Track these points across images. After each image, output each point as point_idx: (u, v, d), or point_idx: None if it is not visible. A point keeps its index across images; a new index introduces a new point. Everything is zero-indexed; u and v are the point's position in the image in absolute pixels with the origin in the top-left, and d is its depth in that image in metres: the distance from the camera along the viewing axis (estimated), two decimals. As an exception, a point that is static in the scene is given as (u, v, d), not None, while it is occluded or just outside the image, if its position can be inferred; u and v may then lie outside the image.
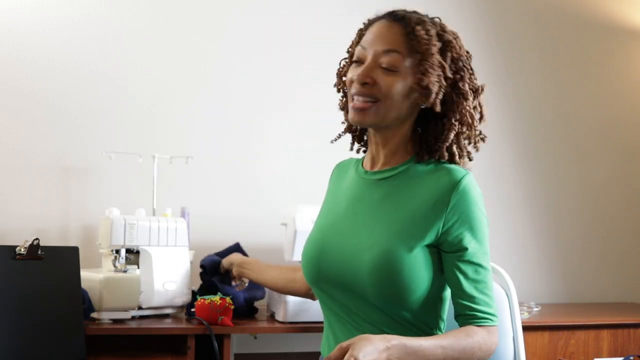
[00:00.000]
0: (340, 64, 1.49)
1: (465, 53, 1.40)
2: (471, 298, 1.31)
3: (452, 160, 1.39)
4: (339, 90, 1.49)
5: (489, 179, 2.91)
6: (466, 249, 1.31)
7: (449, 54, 1.35)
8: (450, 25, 1.40)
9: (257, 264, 1.94)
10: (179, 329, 1.98)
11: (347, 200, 1.44)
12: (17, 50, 2.44)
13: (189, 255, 2.22)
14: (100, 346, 1.99)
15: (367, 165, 1.46)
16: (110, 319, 1.99)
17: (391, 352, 1.18)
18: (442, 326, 1.39)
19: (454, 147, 1.38)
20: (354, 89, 1.35)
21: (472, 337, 1.28)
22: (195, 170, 2.53)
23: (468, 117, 1.37)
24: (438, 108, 1.34)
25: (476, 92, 1.40)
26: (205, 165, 2.58)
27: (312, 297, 1.69)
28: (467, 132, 1.39)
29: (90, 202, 2.46)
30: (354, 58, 1.38)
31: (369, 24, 1.41)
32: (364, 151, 1.53)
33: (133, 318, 2.06)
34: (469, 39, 1.41)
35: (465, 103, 1.36)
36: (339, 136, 1.54)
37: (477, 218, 1.32)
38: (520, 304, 2.44)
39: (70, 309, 1.81)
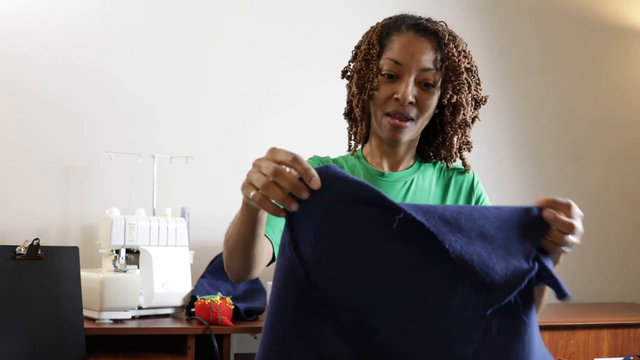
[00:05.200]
0: (350, 65, 1.40)
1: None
2: None
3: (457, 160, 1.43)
4: (360, 95, 1.35)
5: (489, 178, 2.90)
6: None
7: (473, 69, 1.36)
8: (450, 26, 1.40)
9: None
10: (179, 329, 1.98)
11: None
12: (17, 49, 2.44)
13: (189, 255, 2.22)
14: (100, 346, 1.99)
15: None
16: (110, 319, 1.99)
17: None
18: None
19: (454, 151, 1.40)
20: (392, 106, 1.29)
21: None
22: (195, 170, 2.53)
23: (468, 124, 1.39)
24: (468, 120, 1.37)
25: (480, 102, 1.41)
26: (205, 165, 2.58)
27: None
28: (462, 137, 1.41)
29: (90, 202, 2.46)
30: (385, 71, 1.30)
31: (390, 32, 1.32)
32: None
33: (133, 318, 2.05)
34: (468, 39, 1.40)
35: (468, 111, 1.37)
36: (350, 148, 1.47)
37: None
38: (520, 304, 2.44)
39: (70, 309, 1.81)
